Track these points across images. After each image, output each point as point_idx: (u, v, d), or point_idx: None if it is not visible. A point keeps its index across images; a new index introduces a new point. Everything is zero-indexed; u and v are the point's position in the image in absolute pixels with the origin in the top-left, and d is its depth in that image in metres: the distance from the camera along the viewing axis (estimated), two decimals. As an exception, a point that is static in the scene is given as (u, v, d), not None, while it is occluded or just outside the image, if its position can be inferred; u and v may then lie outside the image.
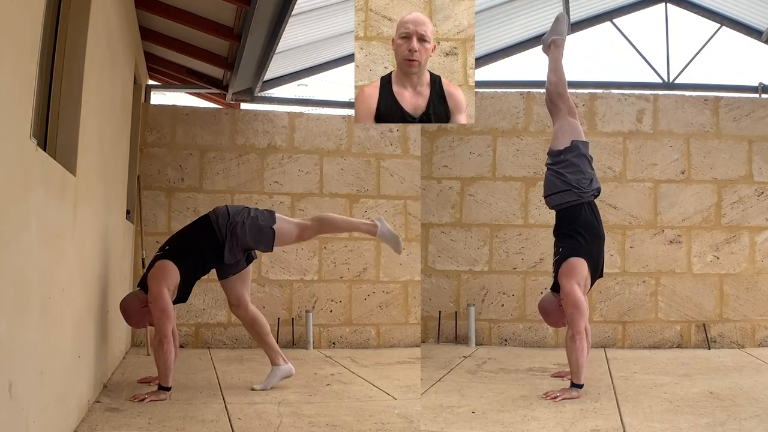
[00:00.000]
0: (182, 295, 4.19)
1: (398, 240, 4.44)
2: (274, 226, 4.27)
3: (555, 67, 4.44)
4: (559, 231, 4.34)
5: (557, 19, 4.55)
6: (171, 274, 4.02)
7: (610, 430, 3.35)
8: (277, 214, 4.35)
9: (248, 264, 4.45)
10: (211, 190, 6.26)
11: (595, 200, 4.38)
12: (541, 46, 4.63)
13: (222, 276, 4.41)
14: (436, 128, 6.24)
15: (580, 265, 4.16)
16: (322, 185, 6.45)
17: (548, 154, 4.48)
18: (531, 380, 4.55)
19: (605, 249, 4.44)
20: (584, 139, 4.46)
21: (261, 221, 4.25)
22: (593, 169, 4.42)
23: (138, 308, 4.09)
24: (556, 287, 4.26)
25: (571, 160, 4.31)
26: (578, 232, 4.22)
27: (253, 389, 4.27)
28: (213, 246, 4.18)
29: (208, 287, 6.19)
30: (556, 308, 4.26)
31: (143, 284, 4.10)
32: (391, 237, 4.42)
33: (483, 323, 6.11)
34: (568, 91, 4.48)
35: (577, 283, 4.11)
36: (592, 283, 4.34)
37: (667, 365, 5.10)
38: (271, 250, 4.42)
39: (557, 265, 4.23)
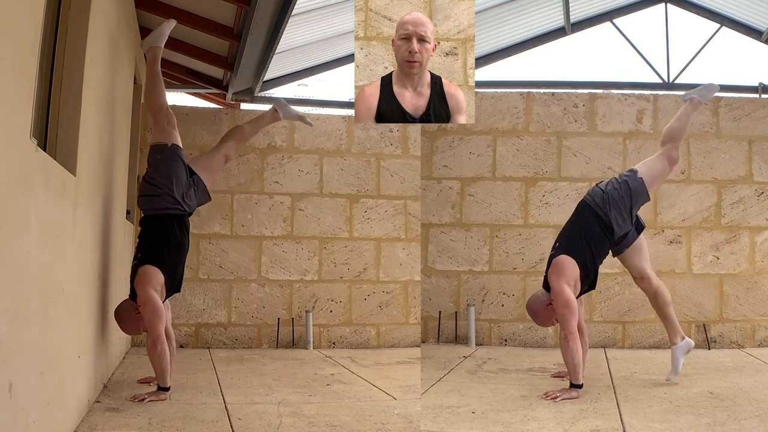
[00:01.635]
0: (175, 286, 4.22)
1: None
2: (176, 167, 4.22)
3: (681, 117, 4.62)
4: (565, 226, 4.40)
5: (707, 87, 4.68)
6: (154, 275, 4.02)
7: (610, 430, 3.35)
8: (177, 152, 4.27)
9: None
10: (211, 189, 6.24)
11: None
12: (682, 96, 4.79)
13: (208, 200, 4.52)
14: (436, 128, 6.23)
15: (570, 264, 4.14)
16: (322, 185, 6.45)
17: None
18: (531, 380, 4.55)
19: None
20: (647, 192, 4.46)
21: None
22: (630, 216, 4.39)
23: (131, 315, 4.09)
24: (547, 285, 4.25)
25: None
26: (581, 236, 4.23)
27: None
28: (180, 232, 4.22)
29: (208, 287, 6.20)
30: (544, 308, 4.23)
31: (132, 293, 4.11)
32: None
33: (483, 323, 6.11)
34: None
35: (566, 283, 4.10)
36: (582, 292, 4.30)
37: (667, 365, 5.08)
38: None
39: (549, 261, 4.24)
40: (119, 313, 4.18)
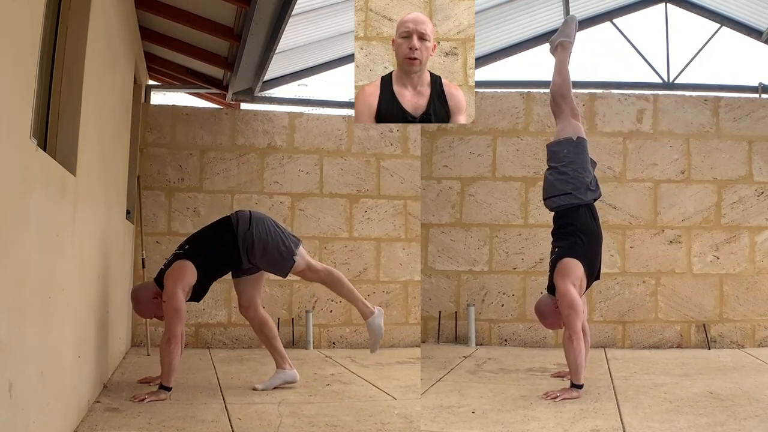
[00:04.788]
0: (197, 295, 4.22)
1: (378, 339, 4.28)
2: (295, 257, 4.25)
3: (560, 69, 4.44)
4: (556, 231, 4.34)
5: (566, 21, 4.54)
6: (188, 274, 4.04)
7: (610, 430, 3.35)
8: (301, 246, 4.31)
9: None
10: (211, 190, 6.26)
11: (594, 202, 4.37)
12: (549, 46, 4.63)
13: (236, 275, 4.42)
14: (436, 128, 6.23)
15: (574, 266, 4.14)
16: (322, 185, 6.45)
17: (547, 152, 4.46)
18: (531, 380, 4.55)
19: (605, 249, 4.43)
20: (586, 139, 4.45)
21: (283, 249, 4.23)
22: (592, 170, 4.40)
23: (148, 298, 4.13)
24: (551, 288, 4.25)
25: (572, 156, 4.30)
26: (576, 233, 4.21)
27: (254, 389, 4.27)
28: (232, 249, 4.19)
29: (208, 287, 6.19)
30: (553, 310, 4.24)
31: (159, 279, 4.12)
32: (376, 332, 4.26)
33: (483, 323, 6.11)
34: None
35: (572, 284, 4.10)
36: (588, 286, 4.31)
37: (667, 365, 5.10)
38: (285, 277, 4.42)
39: (552, 265, 4.23)
40: (137, 293, 4.21)
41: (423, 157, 6.30)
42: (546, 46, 4.66)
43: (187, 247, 4.17)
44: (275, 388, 4.31)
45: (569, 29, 4.49)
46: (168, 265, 4.13)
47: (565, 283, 4.09)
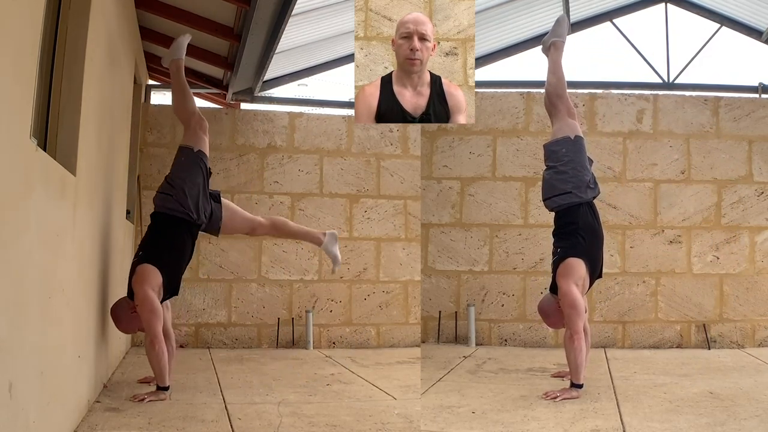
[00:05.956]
0: (172, 289, 4.18)
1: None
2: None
3: (554, 69, 4.45)
4: (558, 231, 4.34)
5: (558, 21, 4.55)
6: (152, 275, 4.01)
7: (610, 430, 3.35)
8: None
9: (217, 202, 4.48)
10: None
11: (594, 200, 4.37)
12: (541, 47, 4.63)
13: (216, 233, 4.48)
14: (436, 128, 6.23)
15: (577, 265, 4.15)
16: (322, 185, 6.45)
17: (545, 152, 4.46)
18: (531, 380, 4.55)
19: (605, 249, 4.44)
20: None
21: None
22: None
23: (127, 314, 4.08)
24: (554, 288, 4.25)
25: (570, 155, 4.30)
26: (577, 232, 4.21)
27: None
28: (186, 232, 4.21)
29: (208, 287, 6.20)
30: (556, 309, 4.25)
31: (129, 291, 4.10)
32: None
33: (483, 323, 6.11)
34: (568, 91, 4.48)
35: (574, 283, 4.10)
36: (591, 284, 4.32)
37: (667, 365, 5.10)
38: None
39: (555, 266, 4.23)
40: (115, 312, 4.16)
41: (423, 157, 6.30)
42: (545, 47, 4.66)
43: (140, 253, 4.13)
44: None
45: (561, 29, 4.51)
46: (131, 274, 4.10)
47: (568, 282, 4.10)
